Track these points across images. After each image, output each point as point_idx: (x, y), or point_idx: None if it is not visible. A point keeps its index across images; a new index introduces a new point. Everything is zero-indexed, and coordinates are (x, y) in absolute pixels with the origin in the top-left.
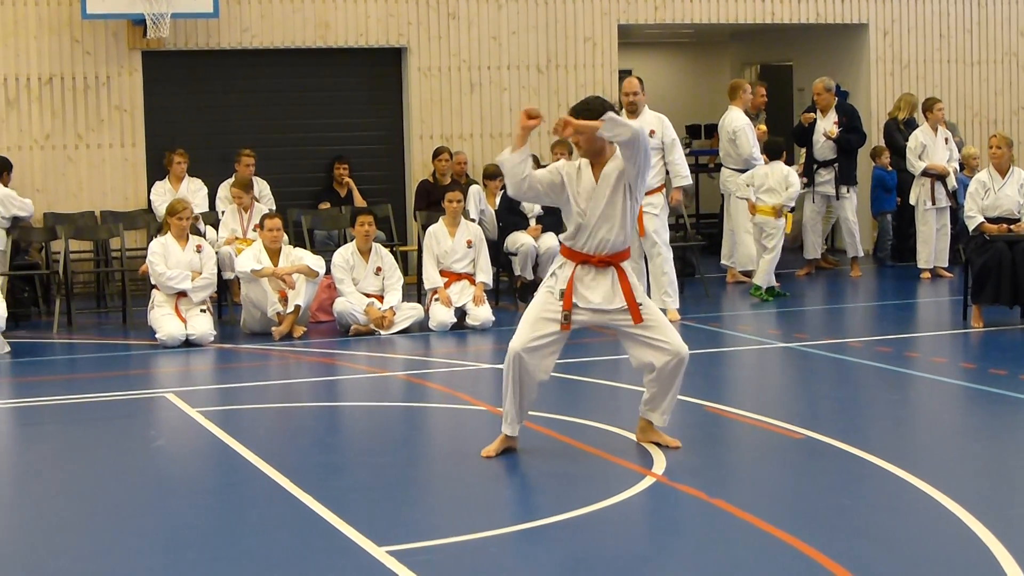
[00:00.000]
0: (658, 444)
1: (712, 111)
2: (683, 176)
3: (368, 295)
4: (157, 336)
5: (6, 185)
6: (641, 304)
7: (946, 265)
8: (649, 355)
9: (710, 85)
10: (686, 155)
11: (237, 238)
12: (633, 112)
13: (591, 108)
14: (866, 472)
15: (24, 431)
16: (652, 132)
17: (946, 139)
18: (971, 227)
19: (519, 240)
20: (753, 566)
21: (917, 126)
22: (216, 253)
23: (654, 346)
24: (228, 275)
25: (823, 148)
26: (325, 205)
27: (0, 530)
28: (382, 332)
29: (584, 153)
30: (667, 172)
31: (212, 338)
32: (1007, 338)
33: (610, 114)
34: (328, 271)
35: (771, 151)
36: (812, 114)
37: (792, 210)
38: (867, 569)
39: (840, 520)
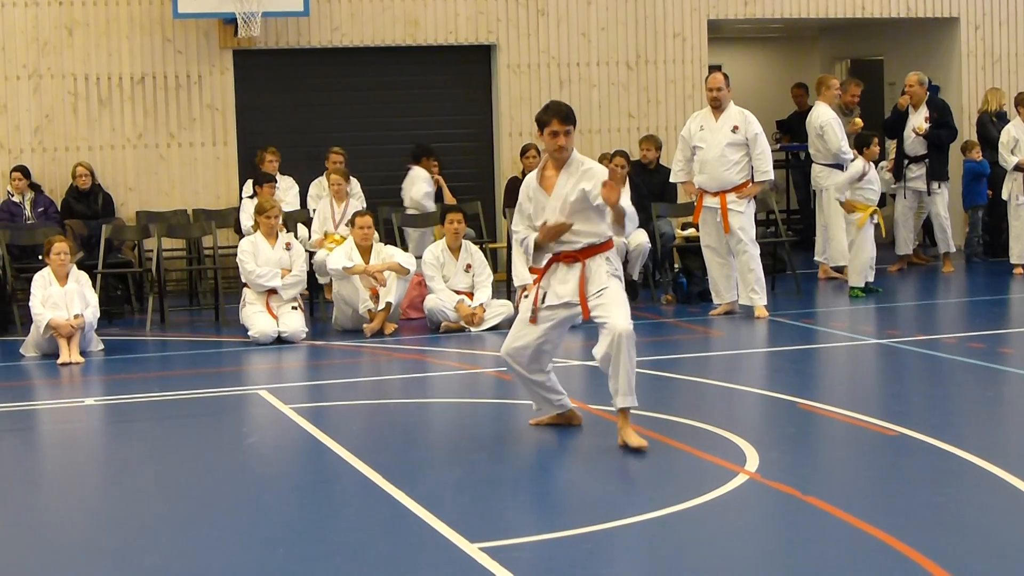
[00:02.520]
0: (625, 446)
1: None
2: (764, 172)
3: (458, 292)
4: (249, 333)
5: (429, 170)
6: (600, 292)
7: None
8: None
9: (800, 80)
10: (775, 151)
11: (328, 234)
12: (717, 107)
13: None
14: (961, 469)
15: (117, 428)
16: (735, 128)
17: None
18: None
19: None
20: (847, 563)
21: (1008, 120)
22: (310, 255)
23: (599, 328)
24: (323, 280)
25: (914, 144)
26: None
27: (93, 527)
28: (472, 329)
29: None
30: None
31: (304, 335)
32: None
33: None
34: (419, 268)
35: (859, 144)
36: (907, 97)
37: (882, 205)
38: (962, 566)
39: (934, 517)
